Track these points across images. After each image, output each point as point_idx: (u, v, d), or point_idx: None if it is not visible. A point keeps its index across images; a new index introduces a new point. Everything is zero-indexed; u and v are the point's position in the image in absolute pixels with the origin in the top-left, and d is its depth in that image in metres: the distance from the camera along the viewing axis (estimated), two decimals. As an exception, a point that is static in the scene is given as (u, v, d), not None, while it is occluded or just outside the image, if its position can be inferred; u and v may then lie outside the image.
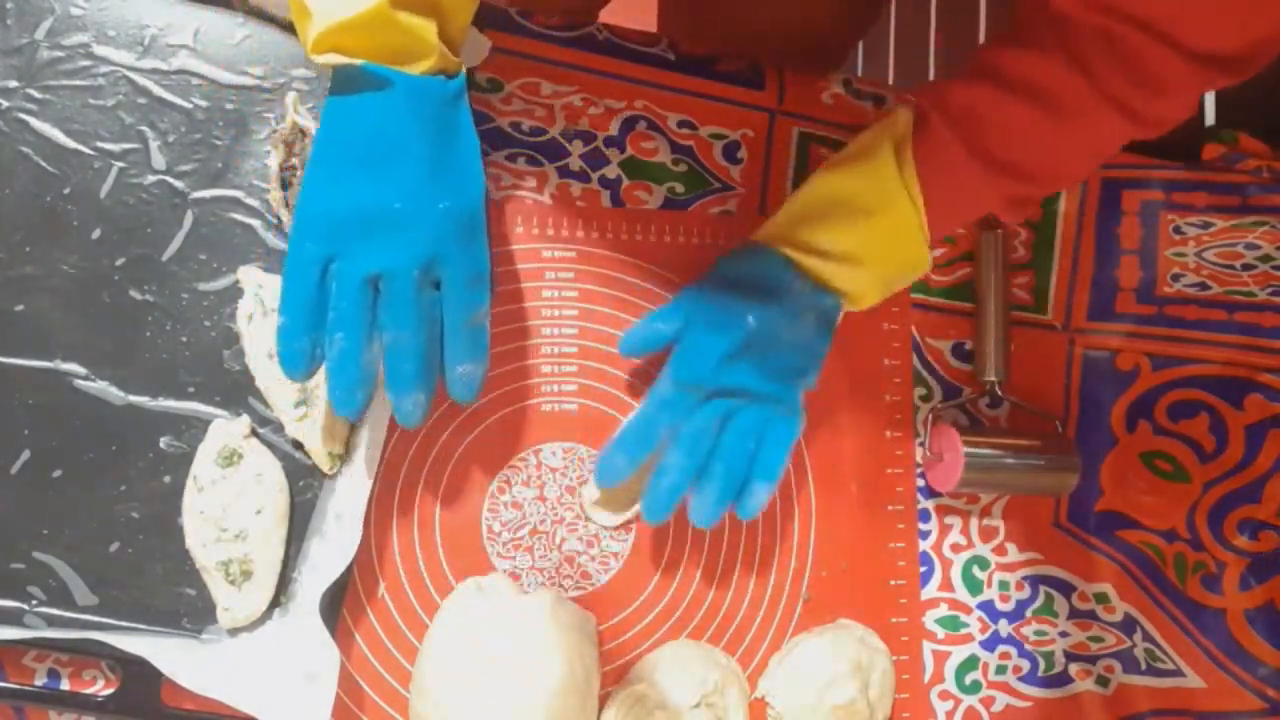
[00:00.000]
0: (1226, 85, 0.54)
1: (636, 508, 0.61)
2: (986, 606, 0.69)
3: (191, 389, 0.56)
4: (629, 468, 0.57)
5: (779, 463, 0.58)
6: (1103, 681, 0.70)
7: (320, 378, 0.56)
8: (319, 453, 0.56)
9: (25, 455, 0.54)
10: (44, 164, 0.55)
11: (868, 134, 0.59)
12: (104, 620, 0.53)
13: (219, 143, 0.57)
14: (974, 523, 0.70)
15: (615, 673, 0.61)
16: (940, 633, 0.68)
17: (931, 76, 1.38)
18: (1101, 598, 0.70)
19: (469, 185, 0.51)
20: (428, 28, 0.49)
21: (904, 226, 0.57)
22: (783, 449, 0.58)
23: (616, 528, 0.62)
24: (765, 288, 0.58)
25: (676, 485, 0.56)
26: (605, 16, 0.71)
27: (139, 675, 0.52)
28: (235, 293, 0.57)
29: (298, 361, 0.49)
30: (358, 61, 0.48)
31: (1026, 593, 0.70)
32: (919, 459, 0.69)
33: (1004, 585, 0.69)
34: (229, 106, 0.58)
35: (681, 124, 0.66)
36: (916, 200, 0.56)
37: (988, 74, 0.56)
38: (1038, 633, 0.70)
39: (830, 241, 0.58)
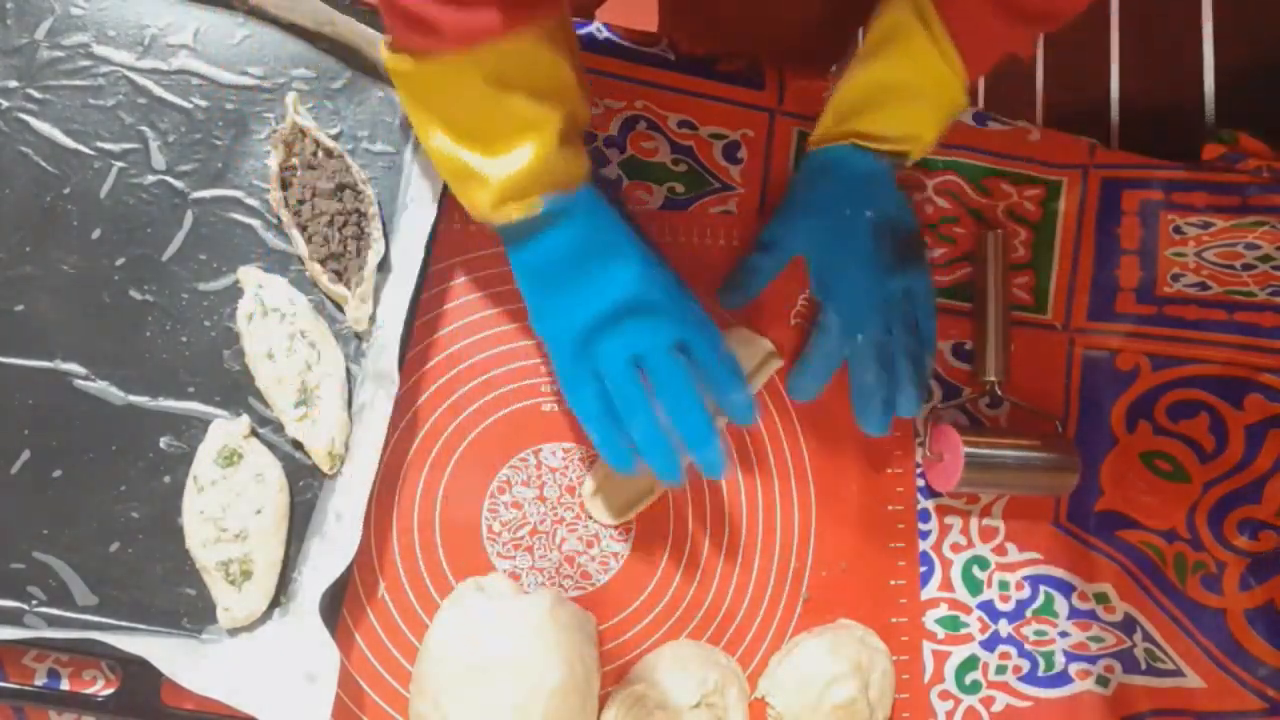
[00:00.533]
0: None
1: (635, 512, 0.61)
2: (986, 606, 0.69)
3: (191, 389, 0.56)
4: (817, 388, 0.64)
5: (933, 331, 0.64)
6: (1103, 681, 0.70)
7: (319, 377, 0.56)
8: (319, 453, 0.56)
9: (25, 455, 0.54)
10: (44, 164, 0.55)
11: (887, 13, 0.59)
12: (104, 620, 0.53)
13: (219, 143, 0.57)
14: (974, 523, 0.70)
15: (615, 673, 0.61)
16: (940, 633, 0.68)
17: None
18: (1101, 598, 0.70)
19: (654, 255, 0.56)
20: (580, 141, 0.53)
21: (950, 94, 0.59)
22: (933, 316, 0.64)
23: (616, 527, 0.62)
24: (861, 179, 0.61)
25: (888, 400, 0.61)
26: (601, 16, 0.71)
27: (139, 675, 0.52)
28: (235, 293, 0.57)
29: (626, 461, 0.55)
30: (539, 208, 0.52)
31: (1026, 593, 0.70)
32: (919, 459, 0.69)
33: (1004, 585, 0.69)
34: (229, 106, 0.58)
35: (681, 124, 0.66)
36: (957, 67, 0.57)
37: None
38: (1038, 633, 0.70)
39: (888, 126, 0.60)
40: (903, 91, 0.59)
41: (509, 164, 0.50)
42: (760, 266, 0.64)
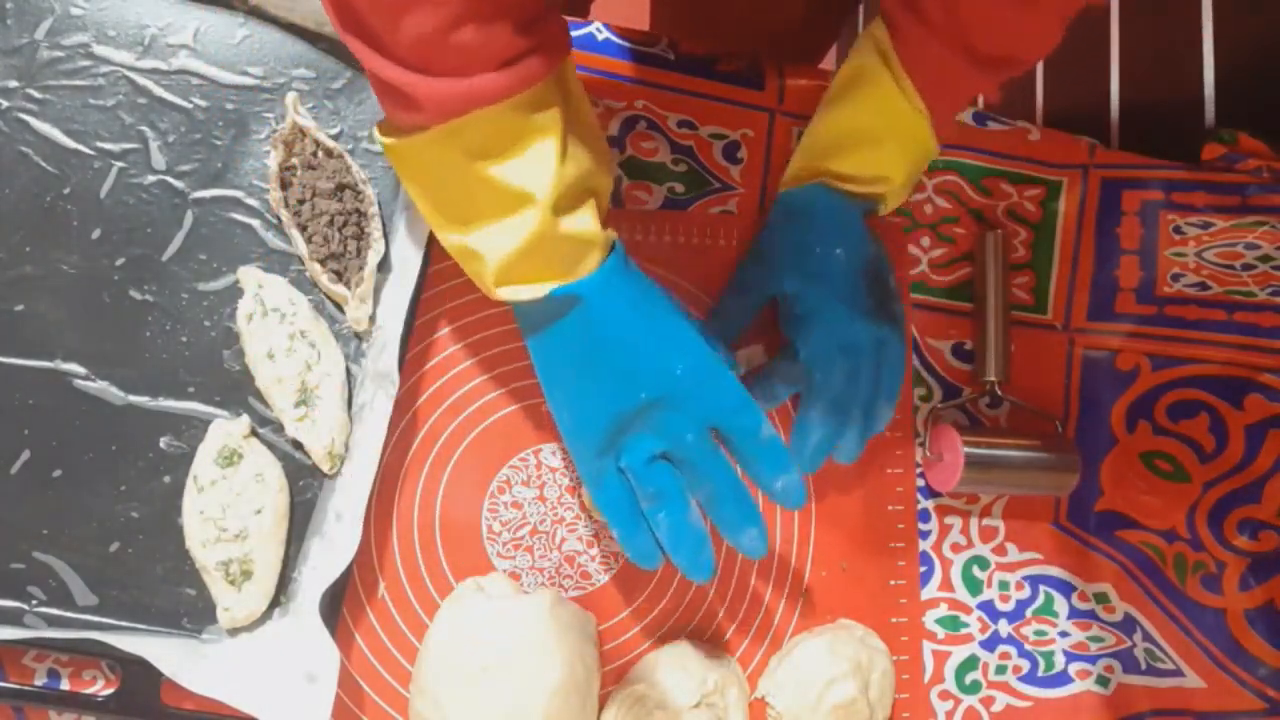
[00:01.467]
0: None
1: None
2: (986, 606, 0.69)
3: (191, 389, 0.56)
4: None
5: (899, 380, 0.62)
6: (1103, 681, 0.70)
7: (319, 377, 0.56)
8: (319, 453, 0.56)
9: (25, 455, 0.54)
10: (44, 164, 0.55)
11: (854, 57, 0.60)
12: (104, 620, 0.53)
13: (219, 143, 0.57)
14: (974, 523, 0.70)
15: (615, 673, 0.61)
16: (940, 633, 0.68)
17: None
18: (1101, 598, 0.70)
19: (684, 334, 0.52)
20: (590, 218, 0.50)
21: (918, 138, 0.59)
22: (900, 370, 0.62)
23: None
24: (833, 218, 0.61)
25: (826, 440, 0.60)
26: (593, 14, 0.71)
27: (139, 675, 0.52)
28: (235, 293, 0.57)
29: (650, 558, 0.54)
30: (543, 291, 0.49)
31: (1026, 593, 0.70)
32: (919, 459, 0.69)
33: (1004, 585, 0.69)
34: (229, 106, 0.58)
35: (681, 124, 0.66)
36: (922, 109, 0.58)
37: None
38: (1038, 633, 0.70)
39: (858, 168, 0.60)
40: (869, 134, 0.59)
41: (500, 244, 0.48)
42: (735, 309, 0.63)
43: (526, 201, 0.47)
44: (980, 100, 0.66)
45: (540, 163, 0.47)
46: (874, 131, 0.59)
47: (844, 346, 0.60)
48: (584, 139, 0.50)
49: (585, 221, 0.49)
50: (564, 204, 0.48)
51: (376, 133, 0.50)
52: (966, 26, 0.55)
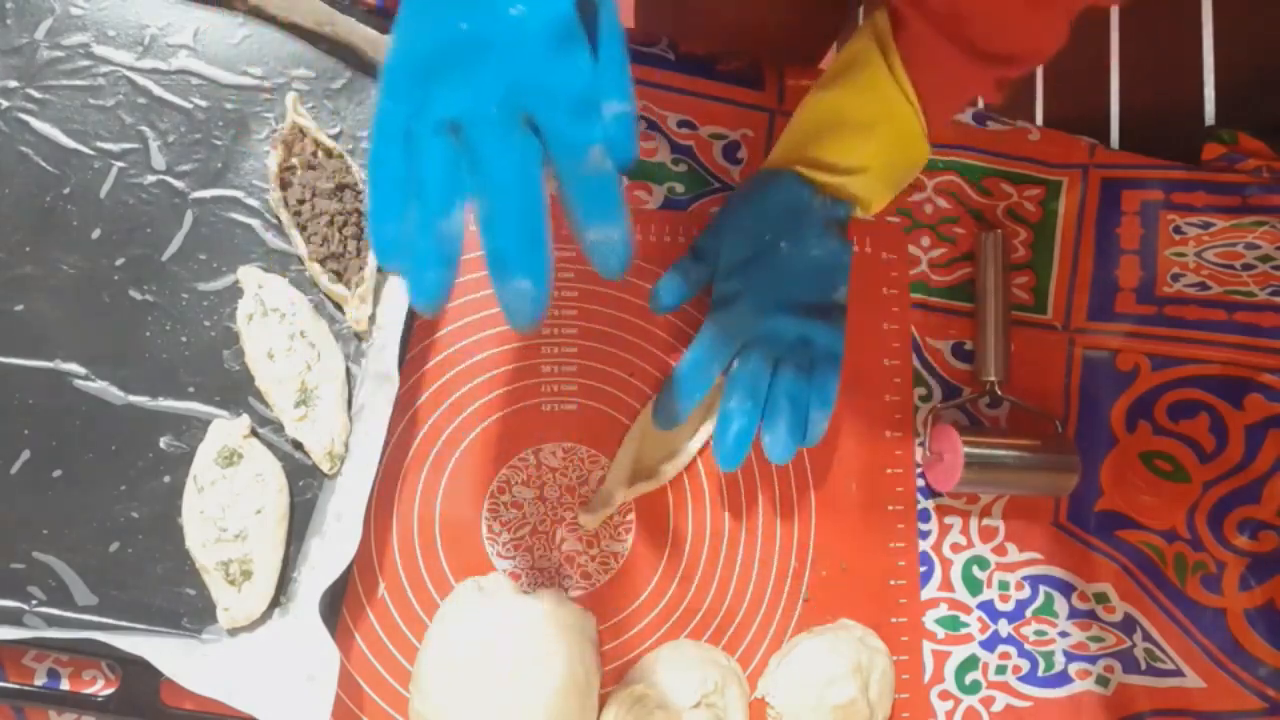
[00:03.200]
0: None
1: (610, 508, 0.61)
2: (986, 606, 0.69)
3: (191, 389, 0.56)
4: (686, 411, 0.60)
5: (833, 389, 0.61)
6: (1103, 681, 0.70)
7: (319, 377, 0.56)
8: (319, 453, 0.56)
9: (25, 455, 0.54)
10: (44, 164, 0.55)
11: (853, 43, 0.59)
12: (104, 620, 0.53)
13: (219, 143, 0.57)
14: (974, 523, 0.70)
15: (615, 673, 0.61)
16: (940, 633, 0.68)
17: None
18: (1101, 598, 0.70)
19: None
20: None
21: (906, 130, 0.58)
22: (834, 376, 0.61)
23: (598, 524, 0.62)
24: (787, 209, 0.60)
25: (745, 429, 0.59)
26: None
27: (139, 675, 0.52)
28: (235, 293, 0.57)
29: (387, 250, 0.39)
30: None
31: (1026, 593, 0.70)
32: (919, 459, 0.69)
33: (1004, 585, 0.69)
34: (229, 106, 0.58)
35: (681, 124, 0.66)
36: (914, 101, 0.57)
37: None
38: (1038, 633, 0.70)
39: (838, 155, 0.59)
40: (853, 120, 0.58)
41: None
42: (688, 272, 0.62)
43: None
44: (980, 101, 0.66)
45: None
46: (859, 118, 0.58)
47: (765, 334, 0.60)
48: None
49: None
50: None
51: None
52: (968, 19, 0.55)
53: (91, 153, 0.56)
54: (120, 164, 0.56)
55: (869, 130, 0.58)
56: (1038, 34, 0.57)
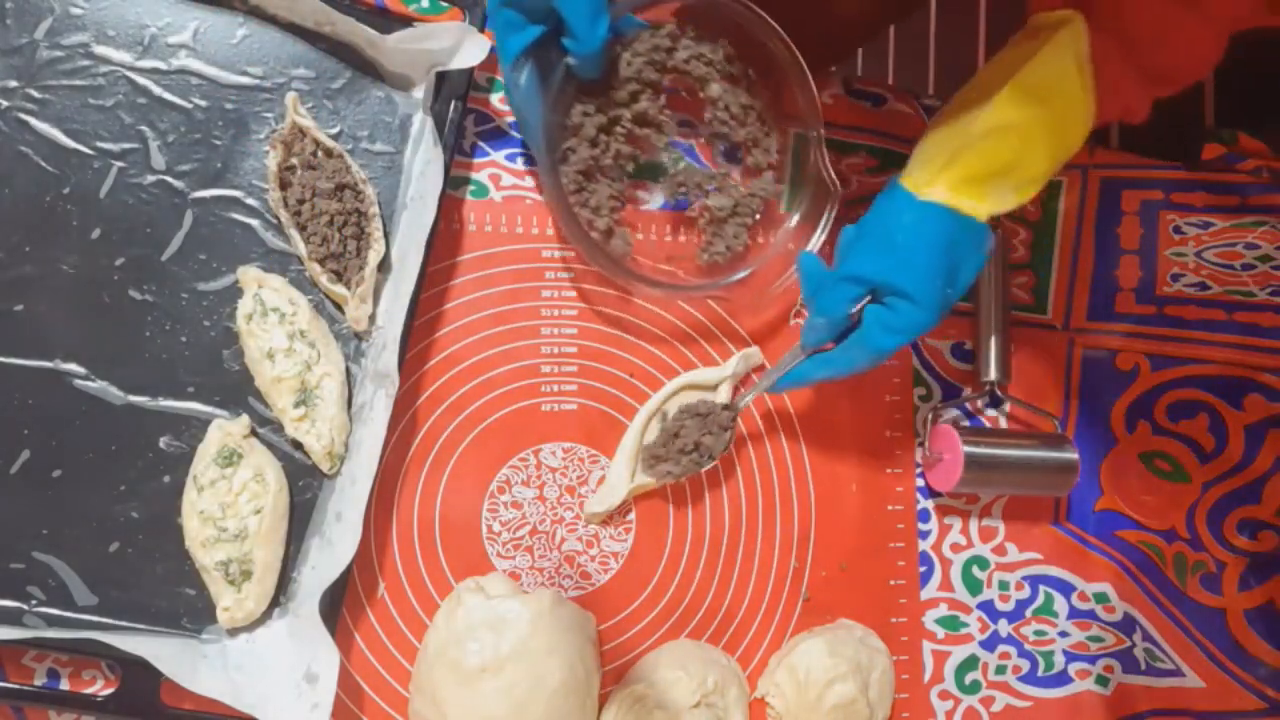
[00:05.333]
0: None
1: (614, 501, 0.61)
2: (986, 606, 0.69)
3: (191, 389, 0.56)
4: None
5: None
6: (1102, 681, 0.70)
7: (319, 377, 0.56)
8: (319, 453, 0.56)
9: (25, 455, 0.54)
10: (44, 164, 0.55)
11: (1050, 56, 0.55)
12: (104, 620, 0.53)
13: (219, 143, 0.57)
14: (974, 523, 0.70)
15: (615, 673, 0.61)
16: (940, 633, 0.68)
17: (931, 77, 1.38)
18: (1101, 598, 0.71)
19: None
20: None
21: (1071, 150, 0.57)
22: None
23: (605, 517, 0.62)
24: (967, 249, 0.57)
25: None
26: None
27: (139, 675, 0.52)
28: (235, 293, 0.57)
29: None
30: None
31: (1026, 593, 0.70)
32: (919, 459, 0.69)
33: (1004, 585, 0.69)
34: (228, 106, 0.57)
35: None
36: (1089, 118, 0.56)
37: None
38: (1037, 633, 0.70)
39: (1019, 171, 0.56)
40: (1042, 142, 0.56)
41: None
42: (850, 303, 0.58)
43: None
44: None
45: None
46: (1047, 144, 0.56)
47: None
48: None
49: None
50: None
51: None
52: (1132, 26, 0.54)
53: (91, 153, 0.56)
54: (120, 164, 0.56)
55: (1053, 157, 0.56)
56: (1197, 46, 0.56)
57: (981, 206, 0.56)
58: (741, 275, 0.63)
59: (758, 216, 0.65)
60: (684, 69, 0.63)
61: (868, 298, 0.57)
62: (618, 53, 0.60)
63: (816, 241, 0.63)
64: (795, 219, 0.65)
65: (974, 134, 0.55)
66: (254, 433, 0.56)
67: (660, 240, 0.65)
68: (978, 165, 0.55)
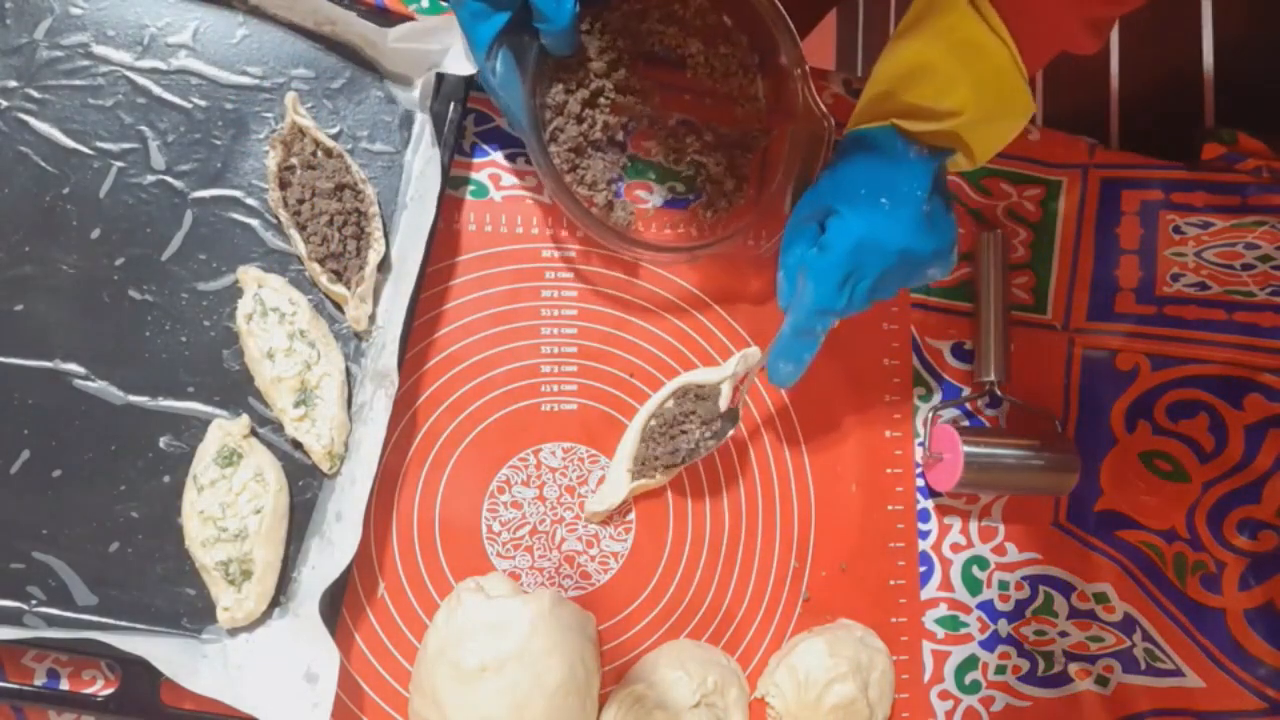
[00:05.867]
0: None
1: (614, 500, 0.61)
2: (986, 606, 0.69)
3: (191, 389, 0.56)
4: (797, 372, 0.59)
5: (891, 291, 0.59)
6: (1102, 681, 0.70)
7: (319, 377, 0.56)
8: (318, 452, 0.56)
9: (25, 455, 0.54)
10: (43, 164, 0.55)
11: None
12: (104, 620, 0.53)
13: (218, 142, 0.57)
14: (974, 523, 0.70)
15: (615, 673, 0.61)
16: (940, 633, 0.68)
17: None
18: (1101, 597, 0.71)
19: None
20: None
21: (1001, 74, 0.54)
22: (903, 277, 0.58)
23: (605, 517, 0.62)
24: (882, 163, 0.57)
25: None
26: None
27: (139, 675, 0.52)
28: (235, 292, 0.57)
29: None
30: None
31: (1026, 593, 0.70)
32: (919, 459, 0.69)
33: (1004, 585, 0.69)
34: (228, 106, 0.57)
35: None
36: (1008, 43, 0.53)
37: None
38: (1037, 632, 0.70)
39: (932, 99, 0.55)
40: (941, 66, 0.54)
41: None
42: (809, 238, 0.59)
43: None
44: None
45: None
46: (948, 63, 0.54)
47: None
48: None
49: None
50: None
51: None
52: None
53: (91, 153, 0.56)
54: (120, 164, 0.56)
55: (961, 73, 0.54)
56: None
57: (906, 125, 0.56)
58: (749, 221, 0.62)
59: (752, 164, 0.65)
60: (658, 30, 0.62)
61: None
62: (590, 24, 0.59)
63: (818, 174, 0.62)
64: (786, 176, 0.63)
65: (875, 71, 0.58)
66: (254, 433, 0.56)
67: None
68: (875, 91, 0.57)
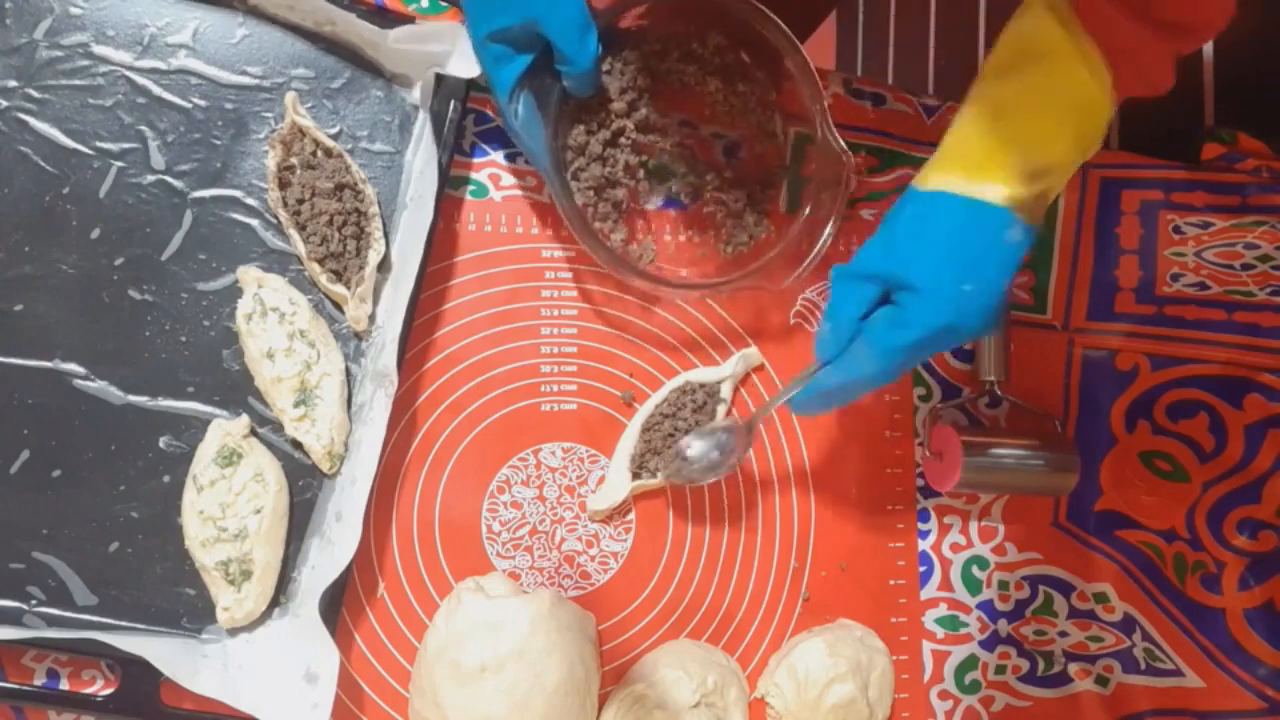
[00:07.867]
0: None
1: (615, 499, 0.61)
2: (986, 606, 0.69)
3: (191, 389, 0.56)
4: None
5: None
6: (1102, 681, 0.70)
7: (319, 377, 0.56)
8: (318, 452, 0.56)
9: (25, 455, 0.54)
10: (43, 164, 0.55)
11: (1021, 21, 0.52)
12: (103, 620, 0.53)
13: (218, 142, 0.57)
14: (974, 523, 0.70)
15: (615, 673, 0.61)
16: (940, 632, 0.68)
17: (931, 77, 1.38)
18: (1101, 597, 0.71)
19: None
20: None
21: (1095, 115, 0.52)
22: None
23: (606, 515, 0.62)
24: (970, 242, 0.52)
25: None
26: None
27: (139, 675, 0.52)
28: (235, 292, 0.57)
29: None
30: None
31: (1026, 593, 0.70)
32: (919, 459, 0.69)
33: (1003, 585, 0.69)
34: (228, 106, 0.57)
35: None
36: (1108, 89, 0.51)
37: None
38: (1037, 632, 0.70)
39: (1036, 156, 0.51)
40: (1042, 114, 0.51)
41: None
42: (862, 298, 0.54)
43: None
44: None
45: None
46: (1049, 110, 0.51)
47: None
48: None
49: None
50: None
51: None
52: None
53: (91, 153, 0.56)
54: (120, 164, 0.56)
55: (1060, 125, 0.51)
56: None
57: (988, 189, 0.51)
58: (771, 257, 0.62)
59: (772, 200, 0.65)
60: (678, 69, 0.63)
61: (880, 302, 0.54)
62: (611, 65, 0.60)
63: (838, 211, 0.61)
64: (808, 211, 0.64)
65: (963, 117, 0.53)
66: (254, 433, 0.56)
67: (677, 242, 0.65)
68: (970, 145, 0.52)
